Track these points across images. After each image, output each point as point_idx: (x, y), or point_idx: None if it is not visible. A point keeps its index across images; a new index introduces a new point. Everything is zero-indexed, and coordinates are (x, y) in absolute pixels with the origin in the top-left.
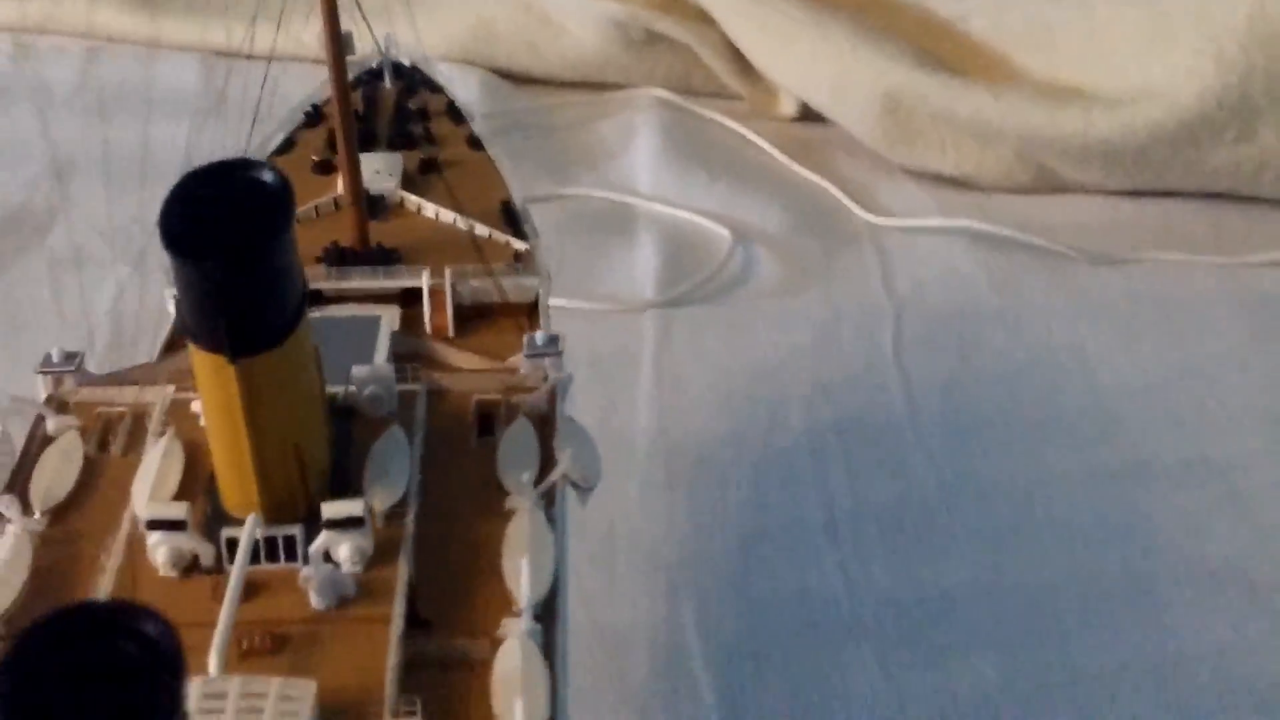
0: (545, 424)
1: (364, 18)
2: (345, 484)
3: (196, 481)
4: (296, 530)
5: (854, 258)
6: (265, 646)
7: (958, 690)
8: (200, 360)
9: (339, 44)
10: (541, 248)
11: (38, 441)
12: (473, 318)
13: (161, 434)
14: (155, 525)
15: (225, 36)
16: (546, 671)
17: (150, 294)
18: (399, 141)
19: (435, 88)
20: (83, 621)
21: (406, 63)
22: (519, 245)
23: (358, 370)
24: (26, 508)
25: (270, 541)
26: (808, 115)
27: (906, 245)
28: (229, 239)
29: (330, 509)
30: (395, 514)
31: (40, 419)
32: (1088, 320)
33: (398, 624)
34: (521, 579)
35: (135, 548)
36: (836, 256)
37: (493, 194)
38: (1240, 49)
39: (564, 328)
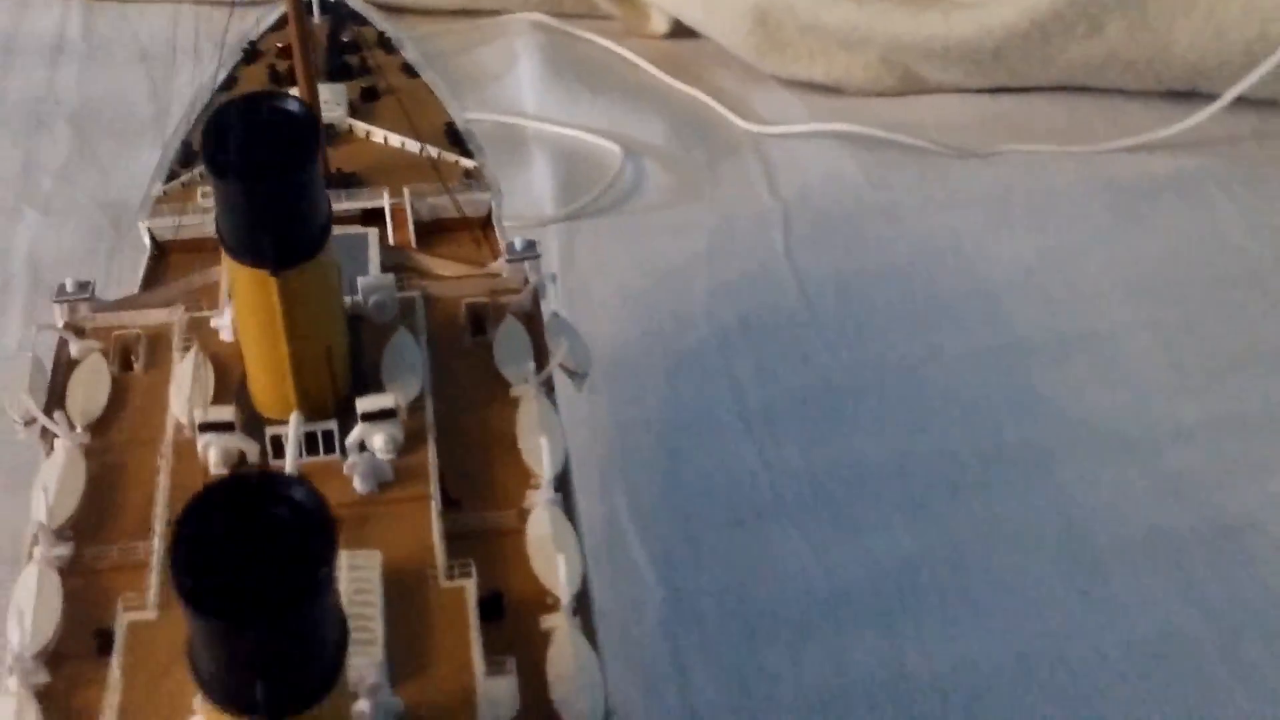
0: (532, 321)
1: None
2: (364, 384)
3: (227, 389)
4: (333, 425)
5: (738, 165)
6: None
7: (879, 556)
8: (243, 275)
9: None
10: (489, 164)
11: (64, 365)
12: (431, 233)
13: (186, 349)
14: (207, 428)
15: None
16: (574, 533)
17: (65, 238)
18: (338, 73)
19: (362, 20)
20: (238, 492)
21: None
22: (467, 163)
23: (364, 280)
24: (67, 424)
25: (310, 437)
26: (678, 32)
27: (786, 151)
28: (270, 162)
29: (365, 403)
30: (415, 407)
31: (64, 343)
32: (960, 211)
33: (436, 501)
34: (543, 455)
35: (182, 451)
36: (721, 165)
37: (435, 117)
38: None
39: None
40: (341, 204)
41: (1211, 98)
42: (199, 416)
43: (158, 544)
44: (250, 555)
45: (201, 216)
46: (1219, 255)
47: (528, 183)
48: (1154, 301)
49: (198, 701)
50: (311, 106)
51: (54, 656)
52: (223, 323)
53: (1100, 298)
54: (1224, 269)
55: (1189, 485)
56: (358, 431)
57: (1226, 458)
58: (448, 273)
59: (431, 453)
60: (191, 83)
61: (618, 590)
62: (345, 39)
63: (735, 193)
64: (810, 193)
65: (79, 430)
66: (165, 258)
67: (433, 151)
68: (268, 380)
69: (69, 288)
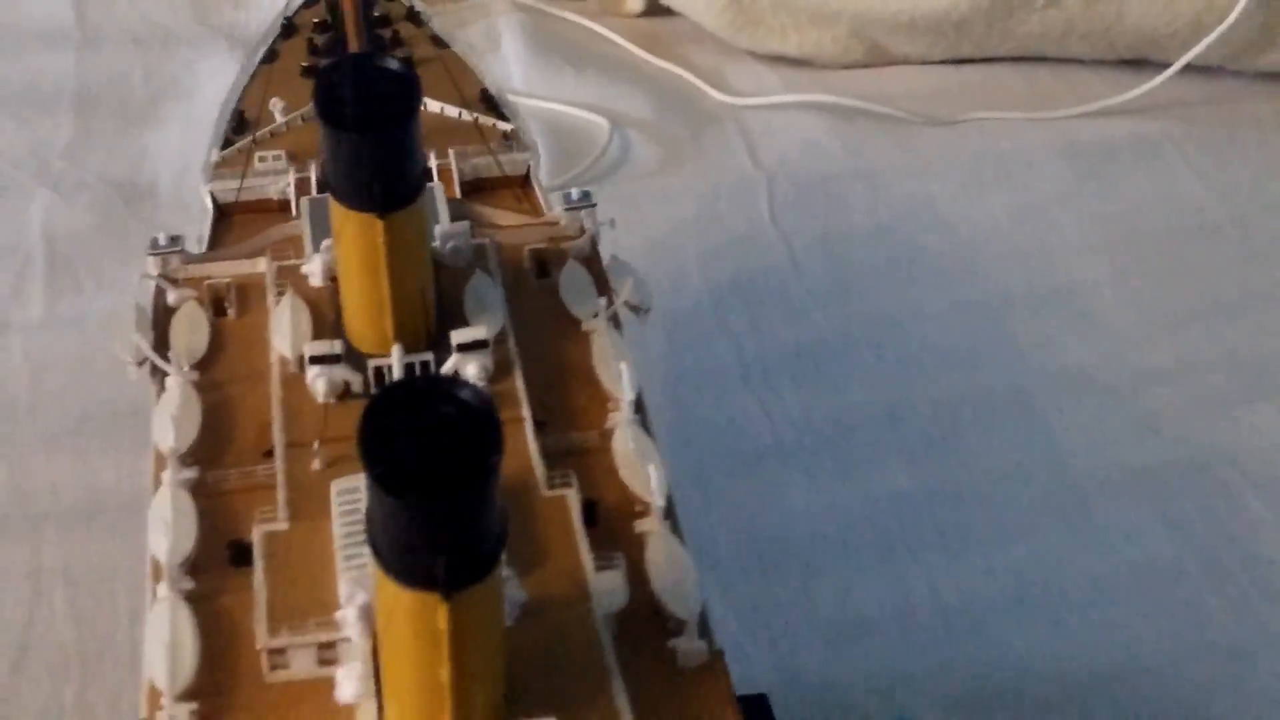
0: (591, 264)
1: None
2: (448, 322)
3: (322, 328)
4: (429, 356)
5: (719, 136)
6: None
7: (878, 495)
8: (350, 219)
9: None
10: (524, 126)
11: (162, 312)
12: (474, 191)
13: (280, 294)
14: (316, 360)
15: None
16: (656, 448)
17: (78, 215)
18: (373, 45)
19: None
20: (412, 394)
21: None
22: (504, 126)
23: (441, 228)
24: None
25: (409, 367)
26: (653, 11)
27: (763, 121)
28: (381, 115)
29: (459, 335)
30: (499, 340)
31: (160, 292)
32: (933, 175)
33: (529, 422)
34: (623, 378)
35: (289, 384)
36: (703, 136)
37: (470, 84)
38: None
39: None
40: None
41: (1163, 65)
42: (309, 350)
43: (281, 464)
44: (428, 446)
45: (260, 179)
46: (1178, 212)
47: None
48: (1120, 256)
49: (343, 597)
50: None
51: (193, 567)
52: (312, 269)
53: (1070, 253)
54: (1183, 224)
55: (1164, 423)
56: (452, 361)
57: (1196, 397)
58: (508, 222)
59: (519, 379)
60: (186, 66)
61: None
62: (376, 14)
63: (718, 162)
64: (790, 160)
65: (187, 369)
66: (228, 219)
67: (469, 116)
68: (368, 317)
69: (161, 241)
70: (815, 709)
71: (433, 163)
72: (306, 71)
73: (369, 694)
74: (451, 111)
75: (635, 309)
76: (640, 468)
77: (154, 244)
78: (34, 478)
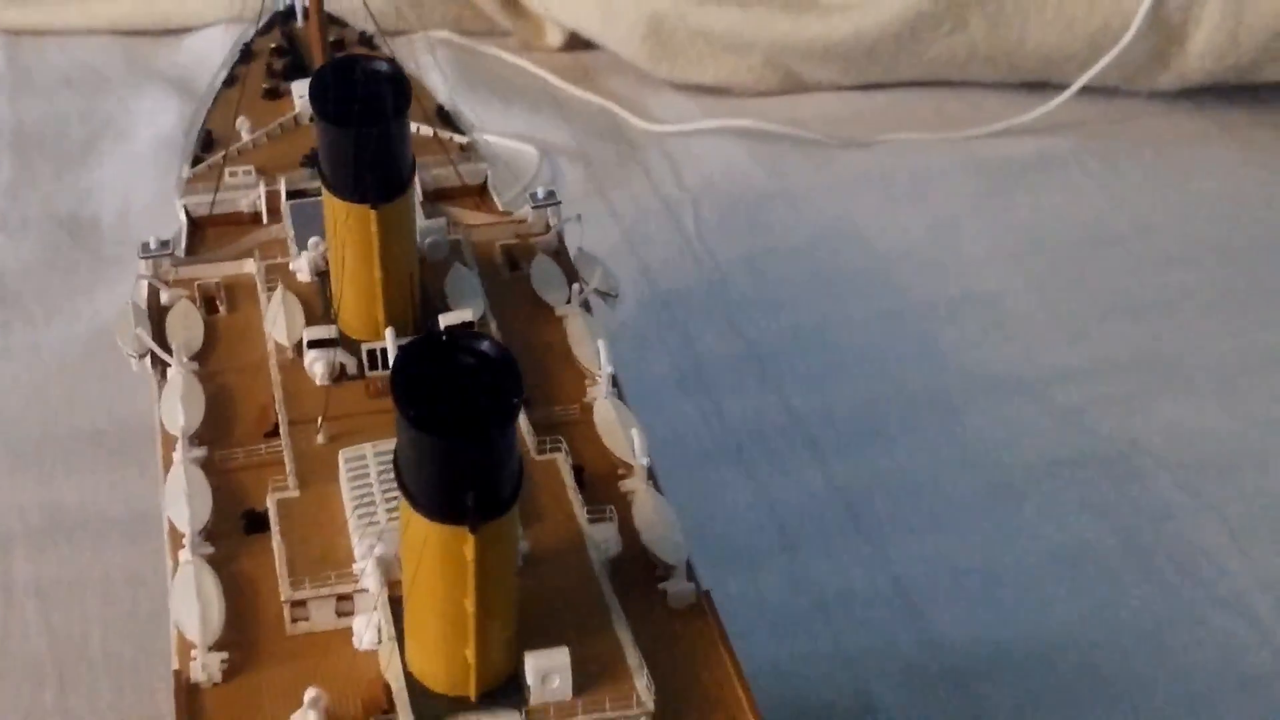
0: (559, 256)
1: None
2: (431, 309)
3: (315, 318)
4: None
5: (644, 162)
6: None
7: (815, 491)
8: (345, 210)
9: None
10: (479, 139)
11: (157, 310)
12: (436, 199)
13: (271, 289)
14: (314, 344)
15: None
16: (635, 416)
17: (24, 251)
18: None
19: (342, 23)
20: (435, 346)
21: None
22: (461, 139)
23: (422, 223)
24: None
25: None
26: (572, 45)
27: (685, 147)
28: (375, 113)
29: (447, 318)
30: (481, 323)
31: (154, 292)
32: (849, 194)
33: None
34: (601, 356)
35: (287, 369)
36: (629, 163)
37: (427, 101)
38: None
39: None
40: None
41: (1063, 87)
42: (307, 335)
43: (287, 440)
44: (456, 391)
45: (232, 193)
46: (1081, 222)
47: None
48: (1030, 264)
49: (358, 552)
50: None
51: (210, 535)
52: (300, 265)
53: (982, 262)
54: (1087, 233)
55: (1080, 417)
56: None
57: (1109, 393)
58: (478, 221)
59: None
60: (121, 107)
61: None
62: (331, 39)
63: (645, 186)
64: (713, 183)
65: (185, 360)
66: (201, 231)
67: (427, 130)
68: (360, 304)
69: (152, 245)
70: (770, 690)
71: None
72: (268, 93)
73: (389, 638)
74: (412, 127)
75: (605, 295)
76: (622, 433)
77: (145, 248)
78: (1, 498)
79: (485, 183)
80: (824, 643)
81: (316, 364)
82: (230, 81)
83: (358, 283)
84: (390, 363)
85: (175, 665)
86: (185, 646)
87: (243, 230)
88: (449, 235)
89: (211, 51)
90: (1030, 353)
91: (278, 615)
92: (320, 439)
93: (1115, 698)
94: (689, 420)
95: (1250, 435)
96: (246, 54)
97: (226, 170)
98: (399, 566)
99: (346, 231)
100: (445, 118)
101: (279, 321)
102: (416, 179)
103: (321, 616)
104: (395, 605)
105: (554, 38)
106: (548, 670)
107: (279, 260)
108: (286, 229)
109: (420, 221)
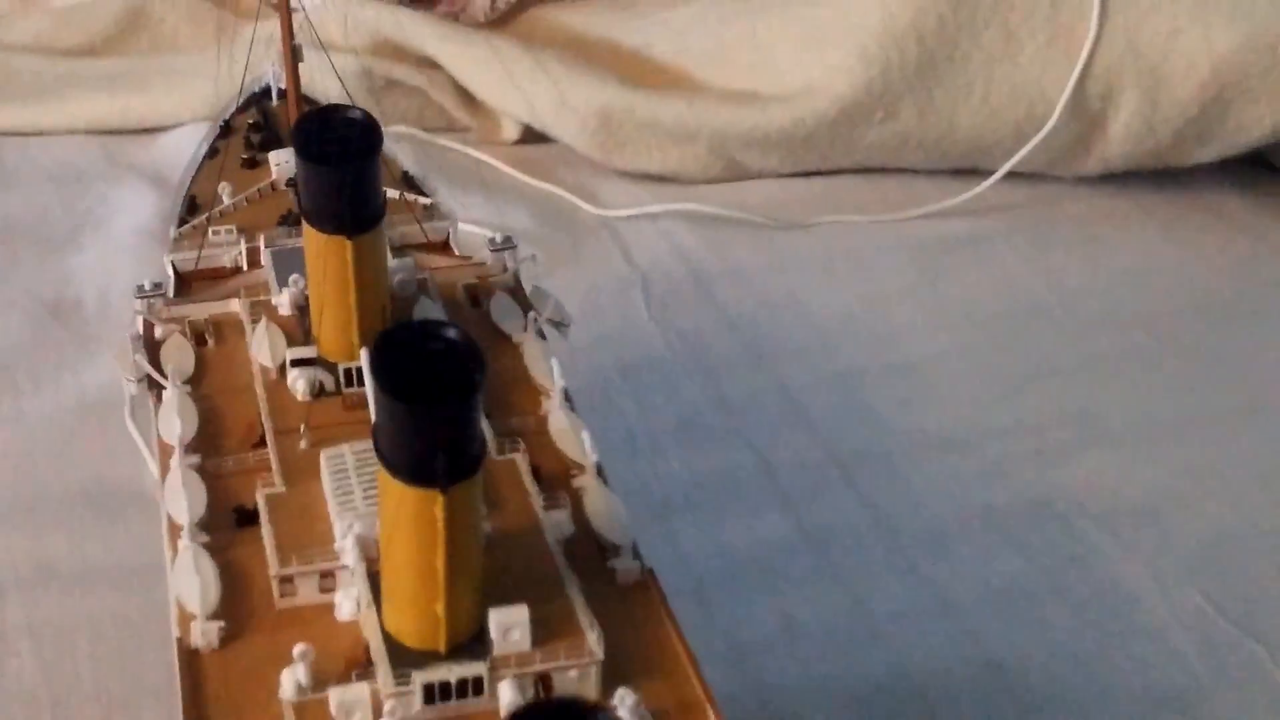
0: (516, 293)
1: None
2: None
3: (296, 344)
4: None
5: (595, 244)
6: None
7: (759, 538)
8: (323, 241)
9: (292, 51)
10: (441, 200)
11: (151, 343)
12: (403, 251)
13: (255, 321)
14: (296, 363)
15: None
16: (583, 424)
17: (11, 329)
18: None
19: (314, 103)
20: (405, 335)
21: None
22: (425, 200)
23: (392, 262)
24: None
25: None
26: (526, 138)
27: (635, 230)
28: (348, 152)
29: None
30: None
31: (149, 326)
32: (790, 271)
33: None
34: (554, 372)
35: (272, 388)
36: (581, 245)
37: (393, 168)
38: (879, 46)
39: None
40: None
41: (992, 173)
42: (290, 355)
43: (273, 446)
44: (427, 368)
45: (215, 250)
46: (1010, 295)
47: None
48: (960, 333)
49: (339, 533)
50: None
51: (205, 527)
52: (281, 301)
53: (915, 332)
54: (1014, 305)
55: (1009, 470)
56: None
57: (1036, 448)
58: (441, 264)
59: None
60: (101, 199)
61: None
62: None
63: (596, 266)
64: (661, 262)
65: (179, 384)
66: (188, 285)
67: (394, 193)
68: (337, 328)
69: (147, 287)
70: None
71: None
72: (246, 163)
73: (367, 605)
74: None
75: (557, 324)
76: (574, 436)
77: (140, 289)
78: None
79: (448, 238)
80: (771, 674)
81: (299, 381)
82: (212, 154)
83: (335, 308)
84: (364, 379)
85: (176, 634)
86: (185, 619)
87: (224, 282)
88: (416, 275)
89: (184, 148)
90: (962, 413)
91: (267, 592)
92: (303, 444)
93: (1039, 712)
94: (642, 479)
95: (1167, 483)
96: (226, 130)
97: (210, 230)
98: (375, 546)
99: (325, 261)
100: (410, 182)
101: (263, 347)
102: (385, 237)
103: (306, 591)
104: (373, 579)
105: (510, 132)
106: (509, 624)
107: (262, 298)
108: (268, 272)
109: (390, 261)
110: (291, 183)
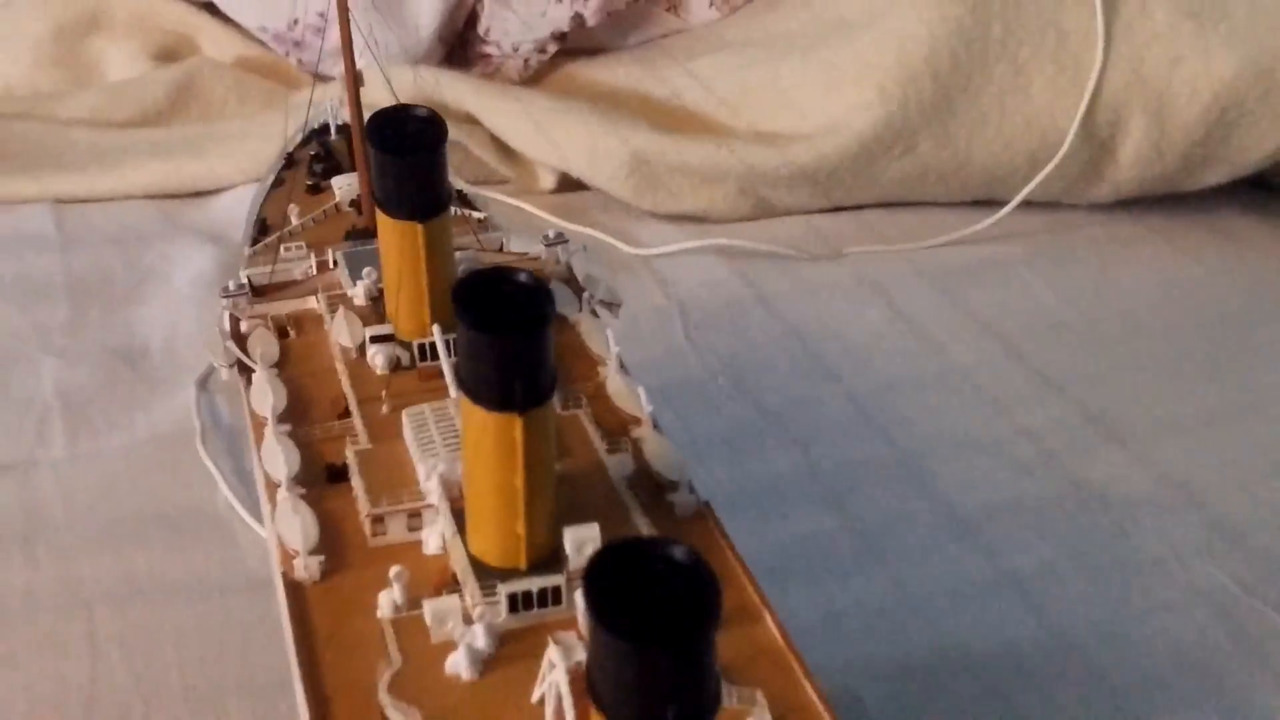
0: (570, 283)
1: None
2: None
3: (370, 327)
4: None
5: (634, 280)
6: None
7: (802, 533)
8: (396, 227)
9: (354, 75)
10: (493, 214)
11: (239, 336)
12: None
13: (334, 311)
14: (375, 339)
15: None
16: (639, 385)
17: (83, 375)
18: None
19: None
20: (484, 278)
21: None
22: (478, 215)
23: (459, 255)
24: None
25: (448, 343)
26: (563, 186)
27: (671, 266)
28: (415, 145)
29: None
30: None
31: (235, 321)
32: (819, 298)
33: None
34: (610, 343)
35: (353, 365)
36: (620, 280)
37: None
38: (895, 84)
39: None
40: None
41: (1007, 203)
42: (369, 332)
43: (357, 413)
44: (501, 306)
45: (286, 264)
46: (1030, 312)
47: None
48: (985, 347)
49: (423, 476)
50: (363, 174)
51: (299, 482)
52: (356, 292)
53: (943, 348)
54: (1035, 320)
55: (1035, 468)
56: None
57: (1060, 447)
58: (500, 259)
59: None
60: (161, 257)
61: None
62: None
63: (635, 299)
64: (696, 293)
65: (266, 368)
66: (263, 296)
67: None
68: (410, 310)
69: (231, 287)
70: None
71: None
72: (310, 188)
73: (453, 534)
74: None
75: (609, 305)
76: (630, 395)
77: (225, 290)
78: (80, 570)
79: (501, 247)
80: (813, 654)
81: (378, 356)
82: (278, 184)
83: (408, 291)
84: (439, 354)
85: (280, 568)
86: (287, 556)
87: (297, 291)
88: (479, 266)
89: (237, 209)
90: (989, 417)
91: (360, 534)
92: (385, 409)
93: (1078, 682)
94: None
95: (1185, 475)
96: (289, 162)
97: (281, 247)
98: (457, 486)
99: (399, 247)
100: (464, 199)
101: (343, 330)
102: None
103: (396, 530)
104: (457, 515)
105: (546, 181)
106: (583, 540)
107: (338, 292)
108: (341, 272)
109: (466, 253)
110: (354, 204)
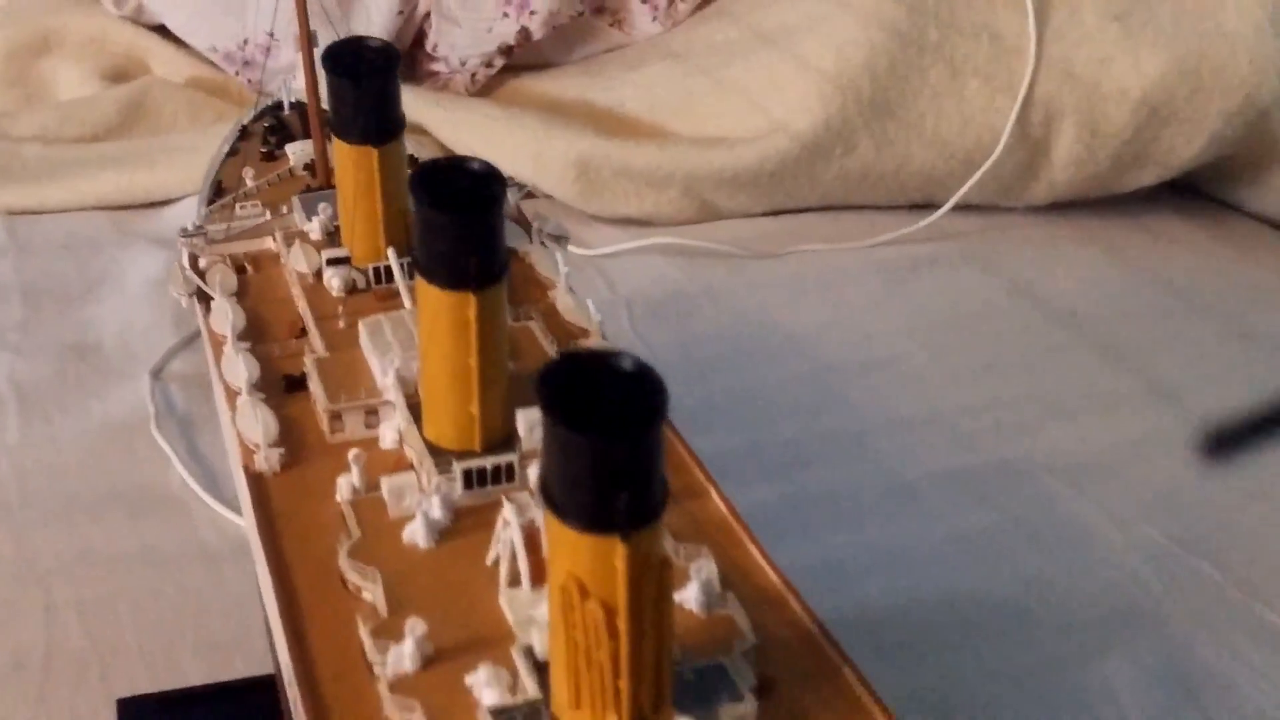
0: (520, 221)
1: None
2: None
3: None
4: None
5: (582, 279)
6: None
7: (747, 502)
8: (350, 152)
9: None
10: None
11: (198, 270)
12: None
13: (290, 243)
14: (331, 262)
15: None
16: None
17: (39, 367)
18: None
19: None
20: (442, 166)
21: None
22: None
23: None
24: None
25: (401, 265)
26: None
27: (618, 265)
28: (370, 70)
29: None
30: None
31: (194, 258)
32: (764, 291)
33: None
34: (560, 266)
35: (310, 289)
36: (571, 280)
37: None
38: (834, 87)
39: None
40: None
41: (943, 205)
42: (325, 255)
43: (313, 329)
44: (460, 193)
45: (242, 223)
46: (968, 302)
47: None
48: (924, 335)
49: (379, 374)
50: (317, 136)
51: (258, 389)
52: (312, 227)
53: (883, 336)
54: (973, 310)
55: (976, 441)
56: None
57: (1001, 423)
58: None
59: None
60: (112, 262)
61: None
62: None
63: (582, 296)
64: (643, 289)
65: (226, 296)
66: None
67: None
68: (365, 236)
69: (189, 228)
70: None
71: None
72: (265, 155)
73: (409, 424)
74: None
75: (557, 238)
76: (580, 310)
77: (184, 231)
78: (36, 545)
79: None
80: None
81: (334, 279)
82: (232, 153)
83: (363, 215)
84: (394, 276)
85: (241, 462)
86: (248, 451)
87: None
88: None
89: (189, 218)
90: (931, 398)
91: (318, 432)
92: (341, 324)
93: (1012, 632)
94: None
95: (1118, 446)
96: (244, 133)
97: (237, 206)
98: (412, 383)
99: (353, 173)
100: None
101: (299, 258)
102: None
103: (353, 426)
104: (413, 409)
105: None
106: (534, 421)
107: (294, 229)
108: (296, 214)
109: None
110: (308, 167)
